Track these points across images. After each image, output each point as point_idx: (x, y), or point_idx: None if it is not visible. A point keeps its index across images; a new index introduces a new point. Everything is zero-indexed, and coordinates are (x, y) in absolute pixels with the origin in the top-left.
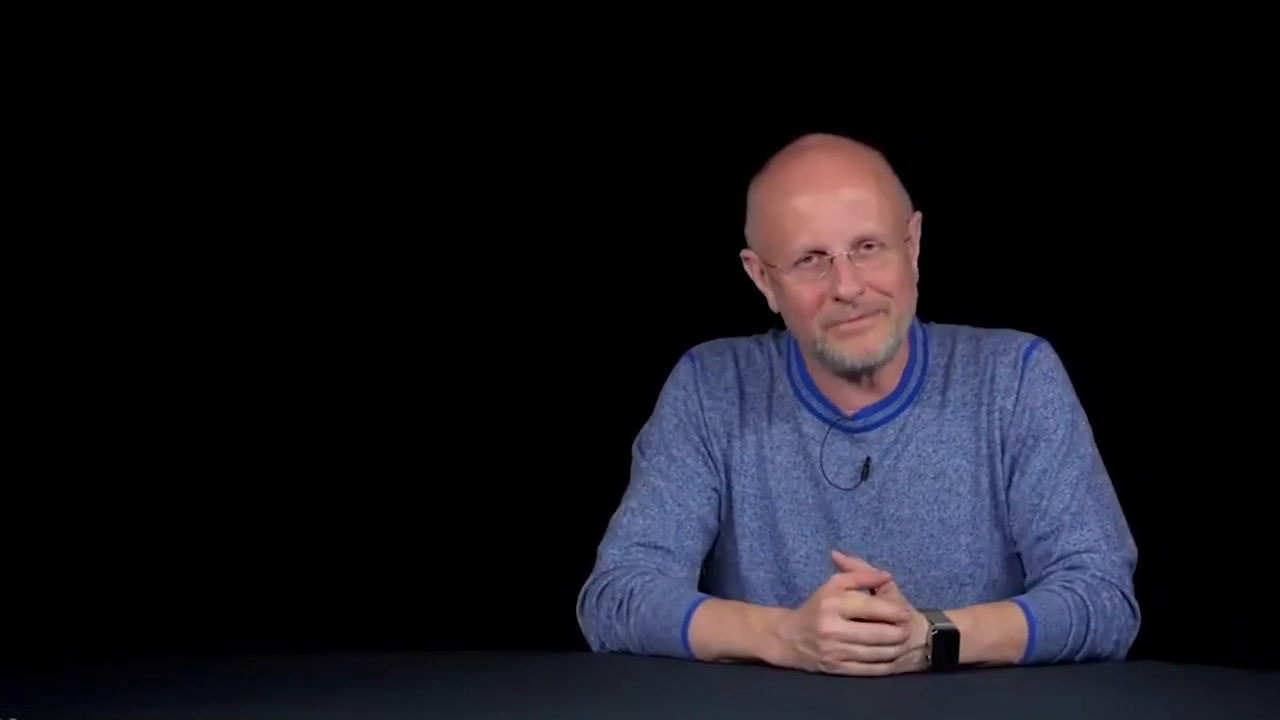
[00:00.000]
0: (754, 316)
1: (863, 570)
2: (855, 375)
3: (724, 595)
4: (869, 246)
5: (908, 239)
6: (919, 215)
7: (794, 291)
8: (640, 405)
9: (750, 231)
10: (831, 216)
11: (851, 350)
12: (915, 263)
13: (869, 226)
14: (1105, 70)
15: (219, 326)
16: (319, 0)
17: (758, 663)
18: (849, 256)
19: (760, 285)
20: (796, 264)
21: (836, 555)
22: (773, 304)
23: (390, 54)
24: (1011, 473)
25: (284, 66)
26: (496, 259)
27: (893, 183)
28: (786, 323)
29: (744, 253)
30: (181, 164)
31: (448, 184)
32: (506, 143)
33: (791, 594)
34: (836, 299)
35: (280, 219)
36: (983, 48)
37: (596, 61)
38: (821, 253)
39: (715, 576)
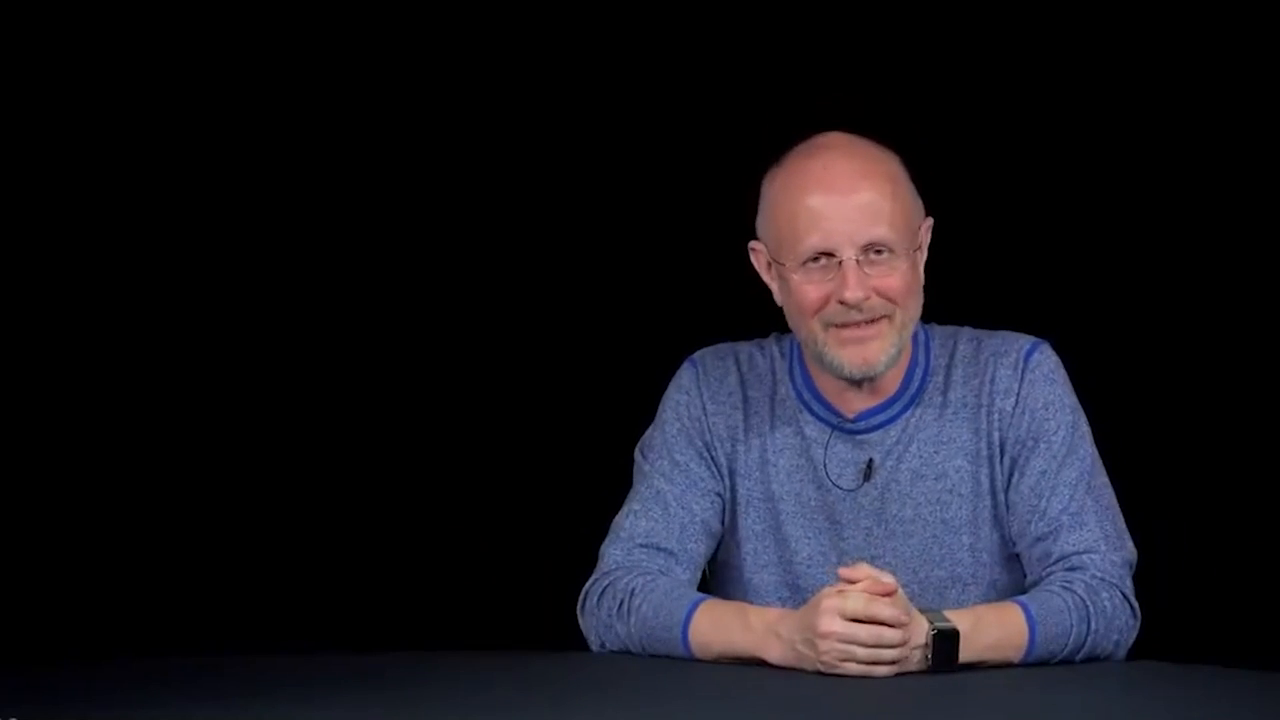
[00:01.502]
0: (755, 321)
1: (870, 581)
2: (855, 382)
3: (728, 599)
4: (878, 252)
5: (918, 247)
6: (930, 221)
7: (799, 290)
8: (642, 407)
9: (761, 224)
10: (844, 219)
11: (850, 359)
12: (922, 269)
13: (880, 232)
14: (1106, 72)
15: (219, 326)
16: (319, 0)
17: (758, 663)
18: (857, 261)
19: (766, 278)
20: (805, 263)
21: (842, 570)
22: (777, 297)
23: (390, 54)
24: (1011, 474)
25: (284, 66)
26: (498, 260)
27: (907, 188)
28: (788, 319)
29: (752, 244)
30: (181, 164)
31: (448, 184)
32: (507, 145)
33: (796, 595)
34: (841, 302)
35: (280, 219)
36: (984, 49)
37: (597, 66)
38: (830, 254)
39: (719, 580)
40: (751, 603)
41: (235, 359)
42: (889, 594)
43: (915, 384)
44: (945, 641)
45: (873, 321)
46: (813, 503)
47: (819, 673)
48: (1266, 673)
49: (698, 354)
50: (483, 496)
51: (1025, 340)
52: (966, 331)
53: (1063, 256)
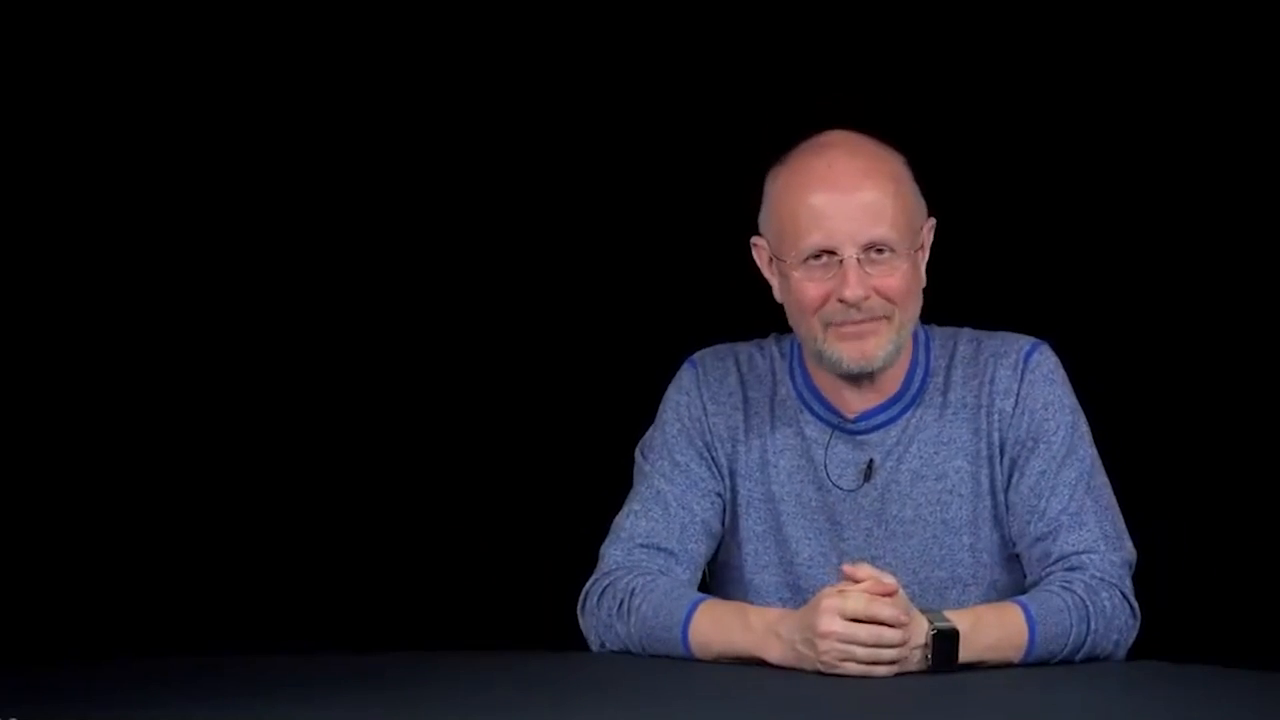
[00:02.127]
0: (755, 321)
1: (872, 580)
2: (854, 378)
3: (729, 599)
4: (879, 251)
5: (919, 247)
6: (932, 221)
7: (800, 287)
8: (642, 407)
9: (763, 221)
10: (846, 218)
11: (849, 353)
12: (924, 269)
13: (881, 231)
14: (1106, 72)
15: (219, 326)
16: (319, 0)
17: (758, 662)
18: (858, 260)
19: (767, 274)
20: (806, 261)
21: (846, 568)
22: (777, 294)
23: (390, 54)
24: (1011, 474)
25: (284, 66)
26: (498, 261)
27: (910, 188)
28: (788, 316)
29: (754, 239)
30: (181, 164)
31: (448, 185)
32: (507, 145)
33: (796, 596)
34: (841, 300)
35: (280, 219)
36: (984, 50)
37: (597, 65)
38: (832, 253)
39: (719, 581)
40: (752, 603)
41: (235, 359)
42: (890, 594)
43: (915, 385)
44: (945, 641)
45: (871, 319)
46: (813, 503)
47: (819, 673)
48: (1266, 673)
49: (697, 355)
50: (483, 496)
51: (1025, 341)
52: (966, 332)
53: (1063, 256)
